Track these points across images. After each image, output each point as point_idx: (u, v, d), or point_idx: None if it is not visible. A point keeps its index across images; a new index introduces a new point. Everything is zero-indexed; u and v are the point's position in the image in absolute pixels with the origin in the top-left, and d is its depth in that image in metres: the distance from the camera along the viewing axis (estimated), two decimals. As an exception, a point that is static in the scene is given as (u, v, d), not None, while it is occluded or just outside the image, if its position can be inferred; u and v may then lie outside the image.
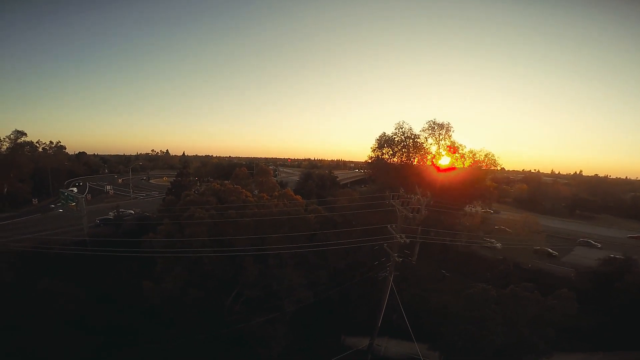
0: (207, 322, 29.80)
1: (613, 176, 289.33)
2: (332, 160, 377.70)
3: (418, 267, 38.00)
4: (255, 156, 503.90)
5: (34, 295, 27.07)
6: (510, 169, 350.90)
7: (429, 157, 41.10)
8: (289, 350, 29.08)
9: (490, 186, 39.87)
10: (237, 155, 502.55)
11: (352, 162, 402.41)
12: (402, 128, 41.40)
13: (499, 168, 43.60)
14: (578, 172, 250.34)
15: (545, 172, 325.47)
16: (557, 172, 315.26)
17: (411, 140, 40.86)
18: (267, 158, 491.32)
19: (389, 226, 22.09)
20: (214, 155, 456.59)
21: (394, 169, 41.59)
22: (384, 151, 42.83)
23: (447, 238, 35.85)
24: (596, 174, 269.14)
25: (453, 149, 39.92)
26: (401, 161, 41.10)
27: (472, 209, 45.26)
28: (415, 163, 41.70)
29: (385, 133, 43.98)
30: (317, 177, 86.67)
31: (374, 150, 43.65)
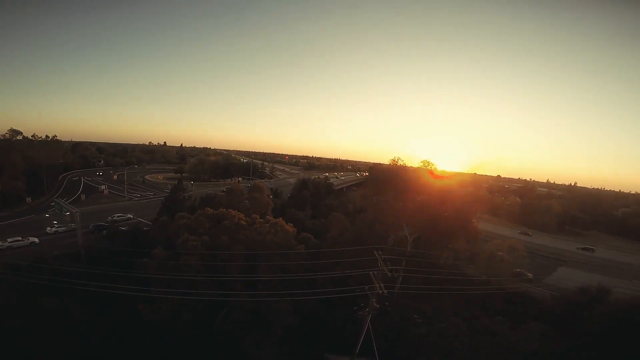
0: (199, 338, 31.11)
1: (608, 188, 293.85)
2: (329, 160, 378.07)
3: (402, 291, 38.80)
4: (254, 150, 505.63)
5: (39, 314, 28.43)
6: (507, 176, 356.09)
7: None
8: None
9: (476, 226, 40.77)
10: (235, 149, 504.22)
11: (349, 162, 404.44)
12: (396, 164, 42.35)
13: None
14: (573, 184, 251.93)
15: (540, 180, 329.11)
16: (552, 182, 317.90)
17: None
18: (264, 153, 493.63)
19: (370, 273, 22.91)
20: (212, 148, 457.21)
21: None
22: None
23: (432, 273, 36.75)
24: (592, 187, 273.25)
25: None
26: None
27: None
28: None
29: (380, 163, 45.03)
30: (312, 185, 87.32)
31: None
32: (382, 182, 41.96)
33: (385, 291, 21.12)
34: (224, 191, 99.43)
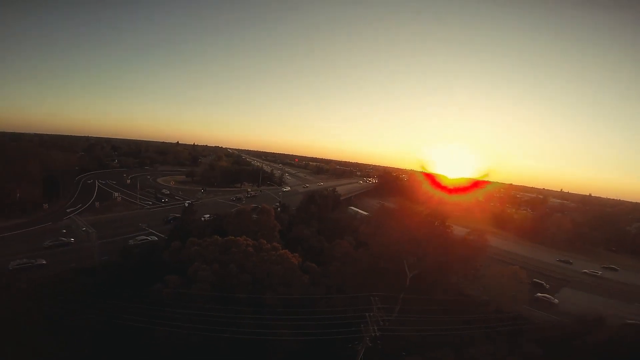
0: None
1: (625, 199, 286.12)
2: (339, 163, 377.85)
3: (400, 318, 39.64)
4: (265, 150, 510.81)
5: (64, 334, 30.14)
6: (520, 184, 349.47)
7: None
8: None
9: (477, 264, 41.39)
10: (247, 148, 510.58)
11: (359, 165, 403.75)
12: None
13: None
14: (588, 195, 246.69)
15: (554, 189, 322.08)
16: (566, 191, 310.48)
17: None
18: (275, 153, 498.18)
19: (367, 314, 24.01)
20: (224, 147, 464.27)
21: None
22: None
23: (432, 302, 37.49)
24: (607, 197, 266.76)
25: None
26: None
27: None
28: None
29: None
30: (320, 198, 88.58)
31: None
32: (385, 216, 42.88)
33: (379, 333, 22.24)
34: (233, 200, 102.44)
